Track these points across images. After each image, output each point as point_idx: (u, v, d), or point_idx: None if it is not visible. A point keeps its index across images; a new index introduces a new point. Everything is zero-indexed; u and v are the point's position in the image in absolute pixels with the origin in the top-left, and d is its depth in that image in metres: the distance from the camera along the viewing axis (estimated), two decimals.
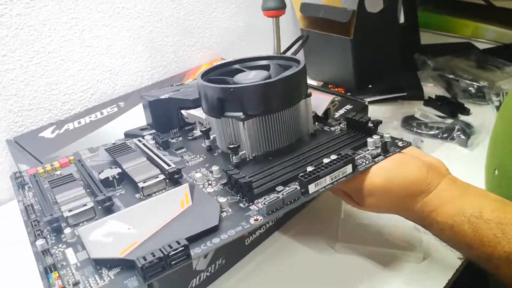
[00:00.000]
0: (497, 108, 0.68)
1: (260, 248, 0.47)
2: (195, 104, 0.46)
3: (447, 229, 0.36)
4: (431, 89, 0.74)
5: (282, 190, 0.35)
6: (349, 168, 0.37)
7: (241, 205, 0.35)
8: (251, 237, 0.45)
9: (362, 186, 0.38)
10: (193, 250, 0.30)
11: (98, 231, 0.33)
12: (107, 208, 0.36)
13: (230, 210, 0.35)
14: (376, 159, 0.39)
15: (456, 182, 0.38)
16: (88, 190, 0.38)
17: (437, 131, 0.63)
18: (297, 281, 0.43)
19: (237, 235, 0.32)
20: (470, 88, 0.71)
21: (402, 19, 0.85)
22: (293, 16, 0.84)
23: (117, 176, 0.40)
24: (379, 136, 0.41)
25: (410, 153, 0.41)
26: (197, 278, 0.41)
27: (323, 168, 0.36)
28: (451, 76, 0.75)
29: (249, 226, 0.33)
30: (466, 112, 0.67)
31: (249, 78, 0.41)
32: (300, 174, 0.35)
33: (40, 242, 0.33)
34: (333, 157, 0.38)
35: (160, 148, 0.45)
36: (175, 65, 0.70)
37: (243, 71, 0.44)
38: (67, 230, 0.34)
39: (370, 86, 0.75)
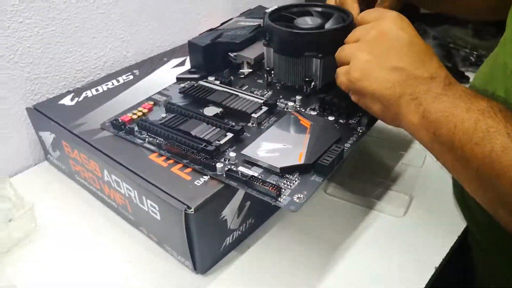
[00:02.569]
0: None
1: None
2: (241, 46, 0.56)
3: (472, 130, 0.33)
4: None
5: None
6: None
7: (341, 121, 0.46)
8: None
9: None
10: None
11: (261, 150, 0.41)
12: (239, 137, 0.44)
13: (336, 125, 0.46)
14: None
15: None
16: (207, 125, 0.45)
17: None
18: (320, 239, 0.46)
19: (357, 140, 0.44)
20: (469, 57, 0.74)
21: None
22: None
23: (223, 112, 0.47)
24: None
25: None
26: (231, 236, 0.43)
27: None
28: (451, 45, 0.77)
29: (360, 133, 0.45)
30: (466, 80, 0.70)
31: (310, 23, 0.50)
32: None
33: (219, 165, 0.40)
34: None
35: (227, 86, 0.52)
36: (184, 32, 0.70)
37: (292, 17, 0.52)
38: (232, 154, 0.41)
39: None
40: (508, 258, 0.44)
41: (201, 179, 0.41)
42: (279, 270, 0.43)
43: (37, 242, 0.46)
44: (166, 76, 0.60)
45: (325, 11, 0.55)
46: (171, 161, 0.44)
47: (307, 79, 0.50)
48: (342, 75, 0.41)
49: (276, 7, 0.55)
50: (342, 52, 0.42)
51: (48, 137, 0.53)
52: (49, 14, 0.54)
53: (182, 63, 0.63)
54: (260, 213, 0.47)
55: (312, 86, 0.50)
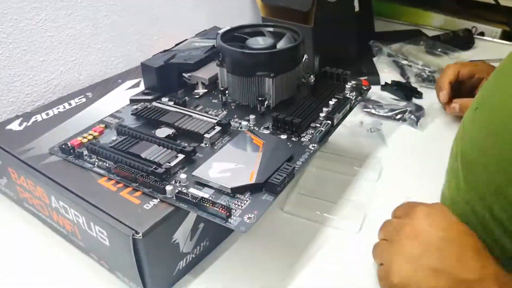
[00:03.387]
0: None
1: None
2: (196, 66, 0.56)
3: None
4: (386, 74, 0.78)
5: (316, 126, 0.48)
6: (348, 106, 0.52)
7: (293, 139, 0.46)
8: None
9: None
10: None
11: (212, 170, 0.41)
12: (191, 158, 0.44)
13: (289, 143, 0.46)
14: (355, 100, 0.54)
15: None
16: (158, 147, 0.44)
17: (391, 113, 0.67)
18: (279, 257, 0.45)
19: (309, 158, 0.44)
20: (422, 73, 0.76)
21: (357, 8, 0.89)
22: (254, 4, 0.85)
23: (175, 133, 0.47)
24: (351, 84, 0.55)
25: None
26: (184, 260, 0.42)
27: (335, 108, 0.50)
28: (404, 62, 0.79)
29: (312, 150, 0.45)
30: (420, 95, 0.72)
31: (261, 43, 0.51)
32: (326, 112, 0.49)
33: (169, 187, 0.40)
34: (334, 100, 0.52)
35: (181, 107, 0.51)
36: (139, 54, 0.70)
37: (243, 37, 0.53)
38: (182, 176, 0.41)
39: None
40: None
41: (150, 202, 0.40)
42: None
43: None
44: (120, 98, 0.59)
45: (277, 31, 0.56)
46: (120, 185, 0.43)
47: (260, 98, 0.50)
48: (382, 280, 0.39)
49: (228, 27, 0.56)
50: (377, 252, 0.41)
51: None
52: None
53: (136, 85, 0.62)
54: (215, 234, 0.46)
55: (265, 105, 0.51)
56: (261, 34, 0.55)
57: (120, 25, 0.66)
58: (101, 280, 0.43)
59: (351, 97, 0.54)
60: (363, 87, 0.57)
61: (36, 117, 0.54)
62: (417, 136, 0.64)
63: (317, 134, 0.46)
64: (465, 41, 0.88)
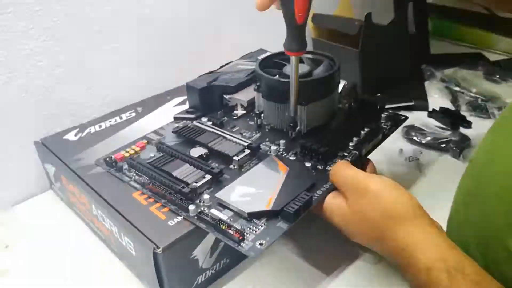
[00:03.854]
0: None
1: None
2: (236, 89, 0.59)
3: (423, 270, 0.35)
4: (436, 100, 0.76)
5: (343, 155, 0.49)
6: (380, 136, 0.52)
7: (319, 167, 0.48)
8: None
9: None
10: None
11: (234, 193, 0.43)
12: (218, 179, 0.46)
13: (313, 171, 0.47)
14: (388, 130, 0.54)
15: (444, 235, 0.38)
16: (191, 166, 0.47)
17: (434, 142, 0.65)
18: (296, 279, 0.47)
19: (330, 188, 0.44)
20: (474, 101, 0.73)
21: (413, 29, 0.87)
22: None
23: (208, 153, 0.50)
24: (387, 113, 0.56)
25: None
26: (203, 275, 0.45)
27: (366, 137, 0.51)
28: (456, 88, 0.77)
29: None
30: (468, 124, 0.69)
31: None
32: (355, 142, 0.50)
33: (192, 207, 0.42)
34: (366, 129, 0.52)
35: (218, 127, 0.55)
36: (187, 72, 0.74)
37: (282, 64, 0.55)
38: (206, 196, 0.43)
39: (378, 95, 0.77)
40: None
41: (175, 219, 0.44)
42: None
43: (29, 268, 0.50)
44: (167, 113, 0.63)
45: (316, 58, 0.57)
46: (151, 200, 0.46)
47: (291, 124, 0.52)
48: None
49: (268, 53, 0.58)
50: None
51: (51, 169, 0.57)
52: (59, 56, 0.59)
53: (184, 102, 0.66)
54: (235, 253, 0.47)
55: (296, 131, 0.52)
56: (301, 61, 0.57)
57: (172, 44, 0.70)
58: (130, 286, 0.47)
59: (386, 126, 0.54)
60: (401, 117, 0.56)
61: (90, 129, 0.60)
62: (459, 168, 0.61)
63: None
64: None
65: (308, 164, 0.48)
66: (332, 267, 0.48)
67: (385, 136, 0.53)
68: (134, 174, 0.49)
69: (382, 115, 0.55)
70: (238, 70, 0.64)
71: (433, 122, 0.71)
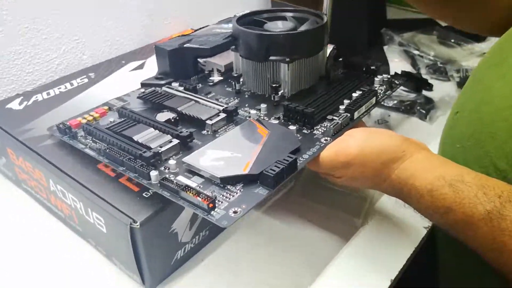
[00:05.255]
0: (458, 84, 0.71)
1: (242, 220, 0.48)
2: (212, 52, 0.51)
3: (426, 194, 0.35)
4: (396, 64, 0.76)
5: (332, 118, 0.44)
6: (373, 100, 0.47)
7: (304, 131, 0.43)
8: None
9: (338, 159, 0.39)
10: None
11: (204, 158, 0.38)
12: (187, 144, 0.41)
13: (298, 135, 0.42)
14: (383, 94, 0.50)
15: (436, 155, 0.39)
16: (156, 131, 0.42)
17: (400, 105, 0.66)
18: (279, 249, 0.45)
19: (317, 152, 0.40)
20: (433, 64, 0.74)
21: None
22: None
23: (177, 118, 0.44)
24: (382, 77, 0.51)
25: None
26: (182, 249, 0.42)
27: (358, 100, 0.46)
28: (416, 52, 0.77)
29: (323, 144, 0.41)
30: (430, 87, 0.70)
31: (280, 27, 0.48)
32: (347, 105, 0.45)
33: (154, 173, 0.36)
34: (358, 92, 0.47)
35: (191, 93, 0.49)
36: (145, 34, 0.68)
37: (263, 22, 0.50)
38: (172, 162, 0.38)
39: (340, 59, 0.76)
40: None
41: (150, 190, 0.39)
42: (233, 284, 0.41)
43: None
44: (123, 79, 0.58)
45: (300, 16, 0.52)
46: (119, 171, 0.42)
47: (274, 85, 0.47)
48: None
49: (247, 11, 0.53)
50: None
51: None
52: None
53: (140, 66, 0.61)
54: (215, 225, 0.45)
55: (280, 94, 0.47)
56: (283, 19, 0.52)
57: (126, 4, 0.64)
58: (98, 266, 0.42)
59: (380, 90, 0.50)
60: (395, 81, 0.53)
61: (36, 97, 0.53)
62: (426, 129, 0.62)
63: (332, 126, 0.42)
64: None
65: (292, 127, 0.43)
66: (318, 239, 0.46)
67: (379, 100, 0.49)
68: (90, 141, 0.43)
69: (376, 79, 0.51)
70: (214, 34, 0.58)
71: None
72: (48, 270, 0.42)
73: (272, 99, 0.47)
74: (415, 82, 0.70)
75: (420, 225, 0.46)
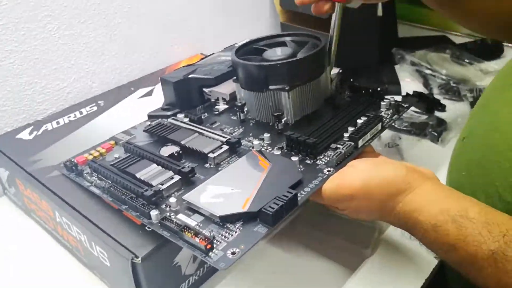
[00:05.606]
0: (471, 104, 0.69)
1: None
2: (216, 81, 0.52)
3: (430, 229, 0.35)
4: (408, 84, 0.75)
5: (336, 147, 0.43)
6: (379, 126, 0.46)
7: (307, 161, 0.42)
8: None
9: (341, 192, 0.38)
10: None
11: (205, 195, 0.37)
12: (189, 180, 0.40)
13: (301, 166, 0.41)
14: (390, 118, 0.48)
15: (441, 186, 0.38)
16: (158, 166, 0.41)
17: (411, 128, 0.64)
18: (285, 280, 0.44)
19: (320, 184, 0.38)
20: (446, 84, 0.73)
21: (380, 12, 0.85)
22: (273, 9, 0.84)
23: (180, 152, 0.44)
24: (388, 100, 0.50)
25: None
26: (186, 282, 0.41)
27: (363, 127, 0.44)
28: (428, 71, 0.76)
29: (326, 176, 0.39)
30: (443, 108, 0.69)
31: (279, 54, 0.48)
32: (351, 132, 0.44)
33: (154, 212, 0.36)
34: (364, 118, 0.46)
35: (195, 124, 0.48)
36: (154, 61, 0.69)
37: (263, 49, 0.49)
38: (173, 200, 0.37)
39: (346, 83, 0.75)
40: None
41: None
42: None
43: None
44: (132, 106, 0.58)
45: (299, 40, 0.52)
46: None
47: (276, 114, 0.46)
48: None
49: (247, 40, 0.53)
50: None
51: (3, 173, 0.51)
52: (6, 47, 0.52)
53: (149, 93, 0.62)
54: None
55: (283, 122, 0.46)
56: (284, 44, 0.51)
57: (134, 33, 0.65)
58: None
59: (386, 115, 0.48)
60: (403, 104, 0.51)
61: (46, 126, 0.54)
62: (438, 152, 0.61)
63: (335, 156, 0.41)
64: (493, 49, 0.84)
65: (294, 159, 0.41)
66: (326, 270, 0.45)
67: (385, 126, 0.47)
68: (96, 179, 0.43)
69: (382, 103, 0.49)
70: (219, 62, 0.58)
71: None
72: None
73: (276, 127, 0.46)
74: (427, 102, 0.69)
75: (431, 255, 0.44)
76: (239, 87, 0.49)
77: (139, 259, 0.36)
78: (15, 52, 0.53)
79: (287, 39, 0.52)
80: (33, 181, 0.46)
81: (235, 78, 0.49)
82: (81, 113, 0.57)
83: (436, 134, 0.62)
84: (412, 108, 0.69)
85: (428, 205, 0.36)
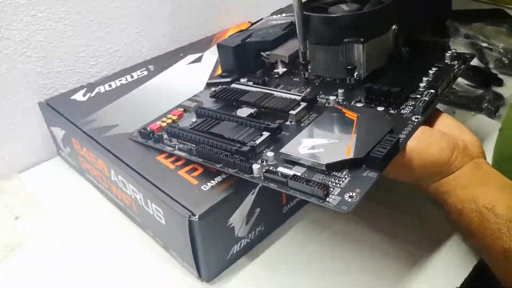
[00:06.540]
0: None
1: (296, 216, 0.47)
2: (274, 44, 0.52)
3: (455, 213, 0.36)
4: None
5: (416, 97, 0.42)
6: (451, 75, 0.46)
7: (392, 111, 0.41)
8: (288, 204, 0.45)
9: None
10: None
11: (302, 147, 0.37)
12: (276, 136, 0.40)
13: (387, 116, 0.40)
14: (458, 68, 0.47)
15: (481, 168, 0.37)
16: (240, 126, 0.41)
17: (467, 101, 0.62)
18: (333, 247, 0.43)
19: (413, 131, 0.38)
20: (503, 58, 0.70)
21: None
22: None
23: (258, 112, 0.44)
24: (451, 52, 0.49)
25: (452, 125, 0.40)
26: (238, 244, 0.41)
27: (439, 75, 0.44)
28: (484, 44, 0.73)
29: (416, 123, 0.39)
30: (499, 83, 0.66)
31: (346, 9, 0.46)
32: (428, 81, 0.43)
33: (256, 166, 0.36)
34: (434, 68, 0.45)
35: (261, 86, 0.48)
36: (202, 27, 0.68)
37: (325, 7, 0.48)
38: (270, 154, 0.37)
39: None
40: None
41: (208, 184, 0.39)
42: (288, 280, 0.41)
43: (43, 240, 0.45)
44: (182, 72, 0.58)
45: None
46: (179, 163, 0.42)
47: (349, 67, 0.45)
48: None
49: None
50: None
51: (59, 132, 0.52)
52: (62, 7, 0.53)
53: (198, 59, 0.61)
54: (270, 220, 0.44)
55: (355, 76, 0.45)
56: (344, 2, 0.49)
57: None
58: (155, 256, 0.43)
59: (454, 65, 0.48)
60: (466, 54, 0.50)
61: (99, 88, 0.55)
62: (495, 128, 0.58)
63: (420, 104, 0.40)
64: None
65: (380, 109, 0.41)
66: (373, 238, 0.45)
67: (456, 75, 0.46)
68: (177, 143, 0.42)
69: (446, 55, 0.49)
70: (271, 26, 0.57)
71: (462, 81, 0.67)
72: (106, 259, 0.43)
73: (348, 81, 0.46)
74: (483, 77, 0.66)
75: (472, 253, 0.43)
76: (305, 44, 0.47)
77: (196, 217, 0.36)
78: (70, 13, 0.53)
79: None
80: (90, 140, 0.46)
81: (301, 34, 0.46)
82: (132, 77, 0.57)
83: (493, 108, 0.60)
84: (468, 82, 0.66)
85: (458, 189, 0.36)
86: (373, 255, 0.43)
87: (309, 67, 0.48)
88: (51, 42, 0.53)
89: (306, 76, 0.48)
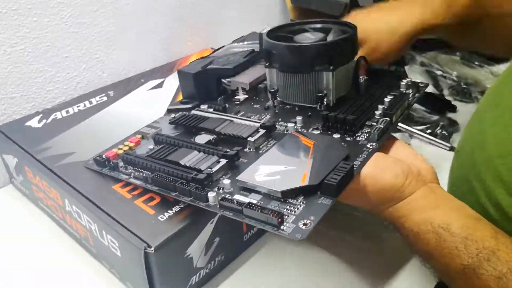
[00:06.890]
0: None
1: (258, 244, 0.46)
2: (235, 71, 0.52)
3: (412, 236, 0.36)
4: None
5: (371, 124, 0.43)
6: (406, 103, 0.47)
7: (348, 138, 0.42)
8: (249, 232, 0.45)
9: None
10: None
11: (259, 174, 0.37)
12: (234, 163, 0.40)
13: (343, 144, 0.41)
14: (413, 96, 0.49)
15: (435, 192, 0.38)
16: (198, 153, 0.41)
17: (422, 127, 0.64)
18: (295, 275, 0.43)
19: (368, 158, 0.39)
20: (457, 86, 0.73)
21: None
22: (283, 6, 0.83)
23: (216, 139, 0.44)
24: (406, 80, 0.50)
25: (406, 152, 0.41)
26: (197, 275, 0.41)
27: (393, 103, 0.45)
28: (438, 72, 0.76)
29: (370, 150, 0.40)
30: (453, 109, 0.68)
31: (312, 38, 0.47)
32: (383, 109, 0.45)
33: (211, 194, 0.36)
34: (390, 97, 0.47)
35: (221, 113, 0.48)
36: (164, 53, 0.68)
37: (289, 36, 0.49)
38: (226, 181, 0.37)
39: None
40: None
41: (165, 213, 0.39)
42: None
43: None
44: (142, 98, 0.58)
45: (323, 26, 0.52)
46: (135, 193, 0.41)
47: (319, 94, 0.46)
48: None
49: (270, 27, 0.52)
50: None
51: (11, 160, 0.50)
52: (18, 32, 0.51)
53: (160, 85, 0.61)
54: (231, 249, 0.44)
55: (325, 103, 0.46)
56: (306, 31, 0.50)
57: (146, 24, 0.64)
58: None
59: (409, 93, 0.49)
60: (420, 83, 0.51)
61: (56, 115, 0.53)
62: (447, 152, 0.60)
63: (375, 131, 0.41)
64: None
65: (336, 136, 0.42)
66: (334, 264, 0.45)
67: (410, 103, 0.48)
68: (133, 171, 0.42)
69: (402, 83, 0.50)
70: (233, 53, 0.57)
71: (420, 107, 0.69)
72: None
73: (319, 108, 0.47)
74: (438, 103, 0.69)
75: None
76: (272, 73, 0.48)
77: (152, 248, 0.35)
78: (26, 38, 0.52)
79: (310, 26, 0.51)
80: (43, 168, 0.45)
81: (267, 63, 0.48)
82: (90, 102, 0.56)
83: (447, 134, 0.62)
84: (424, 108, 0.69)
85: (413, 213, 0.37)
86: (333, 282, 0.43)
87: (276, 95, 0.48)
88: (5, 67, 0.51)
89: (275, 104, 0.49)
